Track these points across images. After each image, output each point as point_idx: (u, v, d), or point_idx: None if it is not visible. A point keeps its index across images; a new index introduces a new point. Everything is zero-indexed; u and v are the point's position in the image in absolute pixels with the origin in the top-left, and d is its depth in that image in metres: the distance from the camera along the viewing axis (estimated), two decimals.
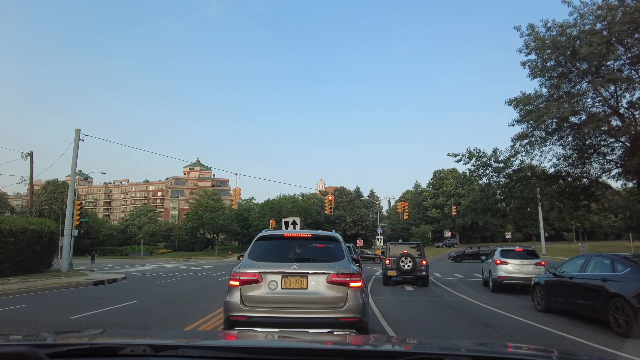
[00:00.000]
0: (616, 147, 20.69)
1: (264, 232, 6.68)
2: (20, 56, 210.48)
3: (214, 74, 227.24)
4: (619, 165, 20.53)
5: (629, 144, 19.12)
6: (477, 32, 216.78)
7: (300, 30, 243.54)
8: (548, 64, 19.28)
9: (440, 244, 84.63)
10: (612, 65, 18.24)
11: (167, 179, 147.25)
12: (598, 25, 17.41)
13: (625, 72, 18.22)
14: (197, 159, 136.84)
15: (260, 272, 5.68)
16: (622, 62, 18.38)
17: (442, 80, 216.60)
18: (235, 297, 5.63)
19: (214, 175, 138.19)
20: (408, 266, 17.58)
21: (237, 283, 5.69)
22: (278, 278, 5.63)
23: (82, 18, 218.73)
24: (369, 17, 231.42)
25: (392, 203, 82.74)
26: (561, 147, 21.49)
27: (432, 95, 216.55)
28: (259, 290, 5.62)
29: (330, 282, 5.60)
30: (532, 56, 19.49)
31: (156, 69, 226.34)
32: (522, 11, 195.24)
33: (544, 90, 20.13)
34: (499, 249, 17.20)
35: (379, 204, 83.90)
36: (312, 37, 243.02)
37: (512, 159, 21.31)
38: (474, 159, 22.13)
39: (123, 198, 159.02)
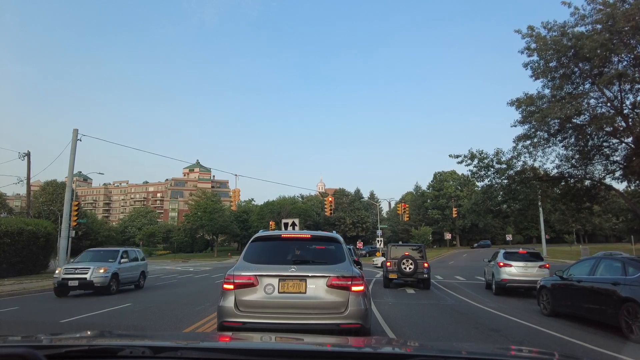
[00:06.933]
0: (620, 148, 20.47)
1: (261, 233, 6.36)
2: (20, 58, 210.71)
3: (214, 76, 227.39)
4: (622, 166, 20.26)
5: (633, 145, 18.87)
6: (478, 34, 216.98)
7: (299, 34, 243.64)
8: (550, 65, 19.04)
9: (475, 245, 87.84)
10: (616, 66, 18.01)
11: (167, 180, 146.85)
12: (599, 26, 17.16)
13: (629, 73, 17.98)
14: (197, 160, 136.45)
15: (256, 275, 5.37)
16: (625, 63, 18.15)
17: (442, 83, 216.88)
18: (230, 302, 5.31)
19: (213, 176, 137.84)
20: (409, 268, 17.21)
21: (231, 287, 5.37)
22: (275, 281, 5.32)
23: (81, 21, 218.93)
24: (368, 21, 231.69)
25: (393, 205, 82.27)
26: (564, 148, 21.25)
27: (432, 97, 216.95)
28: (254, 294, 5.30)
29: (331, 286, 5.28)
30: (534, 57, 19.27)
31: (155, 72, 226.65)
32: (523, 13, 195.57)
33: (547, 91, 19.90)
34: (502, 251, 16.86)
35: (379, 205, 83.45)
36: (312, 40, 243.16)
37: (514, 160, 21.05)
38: (475, 160, 21.83)
39: (122, 199, 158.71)
